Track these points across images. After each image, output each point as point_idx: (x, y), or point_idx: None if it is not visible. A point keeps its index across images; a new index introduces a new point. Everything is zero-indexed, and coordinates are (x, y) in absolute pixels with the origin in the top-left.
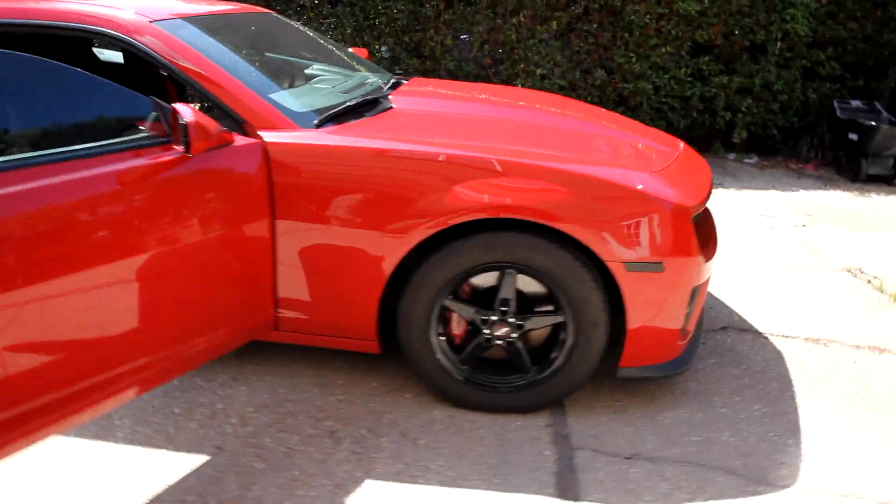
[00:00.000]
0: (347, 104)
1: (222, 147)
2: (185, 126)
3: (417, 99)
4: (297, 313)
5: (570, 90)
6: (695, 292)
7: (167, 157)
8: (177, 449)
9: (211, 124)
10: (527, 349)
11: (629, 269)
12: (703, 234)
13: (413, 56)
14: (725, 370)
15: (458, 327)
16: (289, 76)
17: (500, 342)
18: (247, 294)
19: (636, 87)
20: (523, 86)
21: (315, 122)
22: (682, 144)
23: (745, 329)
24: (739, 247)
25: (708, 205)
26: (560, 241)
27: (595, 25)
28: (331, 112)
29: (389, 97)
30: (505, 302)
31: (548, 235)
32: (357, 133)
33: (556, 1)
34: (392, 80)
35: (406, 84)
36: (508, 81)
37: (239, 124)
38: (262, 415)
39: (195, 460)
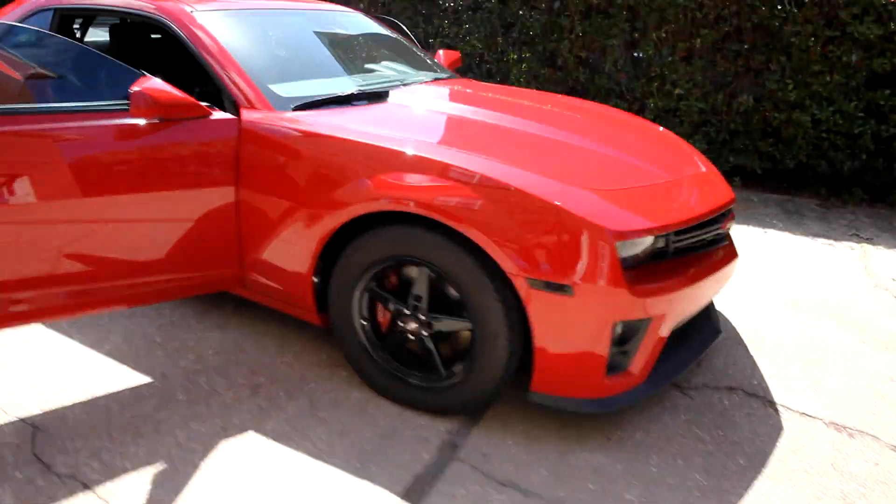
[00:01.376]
0: (333, 95)
1: (200, 118)
2: (129, 94)
3: (424, 98)
4: (257, 275)
5: (710, 114)
6: (633, 329)
7: (130, 121)
8: (136, 368)
9: (162, 96)
10: (442, 352)
11: (532, 286)
12: (667, 269)
13: (546, 66)
14: (693, 431)
15: (383, 315)
16: (312, 68)
17: (412, 337)
18: (216, 248)
19: (790, 117)
20: (656, 106)
21: (292, 106)
22: (702, 168)
23: (756, 395)
24: (832, 311)
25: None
26: (464, 245)
27: (746, 46)
28: (311, 100)
29: (396, 92)
30: (417, 298)
31: (454, 238)
32: (316, 118)
33: (704, 17)
34: (433, 78)
35: (436, 83)
36: (641, 100)
37: (232, 103)
38: (215, 359)
39: (140, 380)
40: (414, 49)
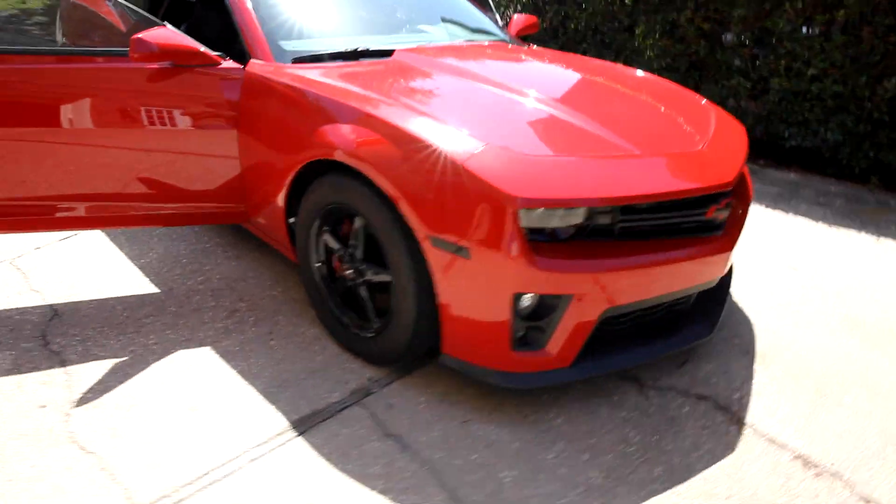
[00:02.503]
0: (332, 51)
1: (209, 66)
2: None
3: (433, 59)
4: (253, 211)
5: (848, 99)
6: (548, 305)
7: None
8: (153, 280)
9: (162, 43)
10: (381, 303)
11: (434, 244)
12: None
13: (666, 36)
14: (623, 431)
15: (336, 259)
16: (350, 26)
17: (350, 283)
18: (225, 184)
19: None
20: (781, 86)
21: (290, 60)
22: (699, 147)
23: (726, 409)
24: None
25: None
26: (382, 197)
27: None
28: (308, 54)
29: (410, 53)
30: (354, 246)
31: (375, 189)
32: (298, 71)
33: None
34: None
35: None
36: (766, 79)
37: (244, 54)
38: (217, 283)
39: (150, 290)
40: (474, 10)
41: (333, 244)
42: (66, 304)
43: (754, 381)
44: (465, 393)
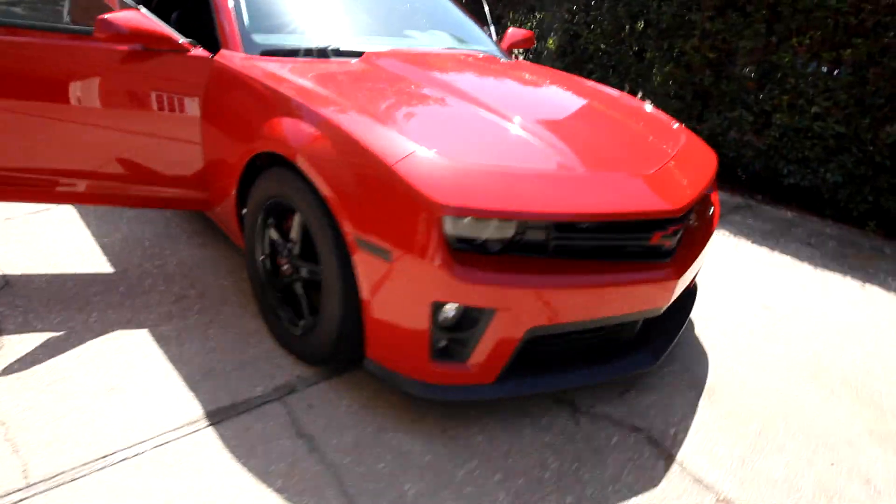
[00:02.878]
0: (298, 47)
1: (177, 52)
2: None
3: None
4: (212, 199)
5: (850, 140)
6: (471, 318)
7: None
8: (111, 260)
9: (125, 24)
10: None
11: (358, 244)
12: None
13: (669, 62)
14: (543, 455)
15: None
16: (333, 26)
17: (287, 279)
18: (190, 171)
19: None
20: (783, 122)
21: (259, 52)
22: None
23: (658, 444)
24: (862, 389)
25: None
26: (316, 193)
27: None
28: (275, 48)
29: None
30: (292, 241)
31: (311, 185)
32: (258, 63)
33: (859, 24)
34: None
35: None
36: (769, 114)
37: (217, 44)
38: (172, 268)
39: (105, 269)
40: (466, 21)
41: (276, 238)
42: (20, 276)
43: (696, 418)
44: (390, 401)
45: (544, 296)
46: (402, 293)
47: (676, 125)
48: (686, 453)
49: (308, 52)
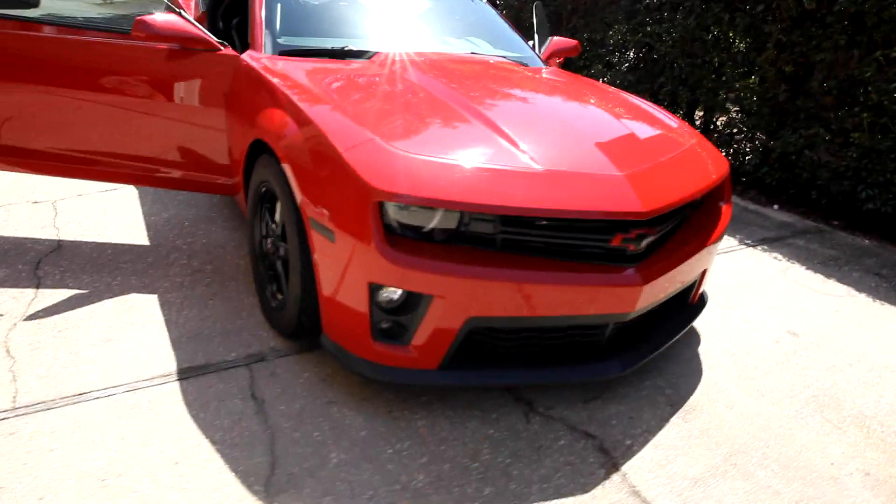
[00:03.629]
0: (315, 47)
1: (210, 52)
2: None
3: (414, 65)
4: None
5: None
6: (411, 302)
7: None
8: (151, 235)
9: (160, 26)
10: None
11: (311, 225)
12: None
13: (744, 76)
14: (479, 446)
15: None
16: (365, 30)
17: (272, 258)
18: (217, 158)
19: None
20: (861, 143)
21: (277, 52)
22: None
23: (608, 454)
24: (874, 427)
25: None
26: (286, 177)
27: None
28: (292, 48)
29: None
30: (276, 222)
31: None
32: (270, 62)
33: None
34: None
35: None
36: (847, 132)
37: (247, 45)
38: (200, 247)
39: (142, 243)
40: (502, 30)
41: (268, 220)
42: (71, 242)
43: (661, 433)
44: (349, 378)
45: (483, 287)
46: (343, 273)
47: (684, 131)
48: (633, 466)
49: (324, 53)
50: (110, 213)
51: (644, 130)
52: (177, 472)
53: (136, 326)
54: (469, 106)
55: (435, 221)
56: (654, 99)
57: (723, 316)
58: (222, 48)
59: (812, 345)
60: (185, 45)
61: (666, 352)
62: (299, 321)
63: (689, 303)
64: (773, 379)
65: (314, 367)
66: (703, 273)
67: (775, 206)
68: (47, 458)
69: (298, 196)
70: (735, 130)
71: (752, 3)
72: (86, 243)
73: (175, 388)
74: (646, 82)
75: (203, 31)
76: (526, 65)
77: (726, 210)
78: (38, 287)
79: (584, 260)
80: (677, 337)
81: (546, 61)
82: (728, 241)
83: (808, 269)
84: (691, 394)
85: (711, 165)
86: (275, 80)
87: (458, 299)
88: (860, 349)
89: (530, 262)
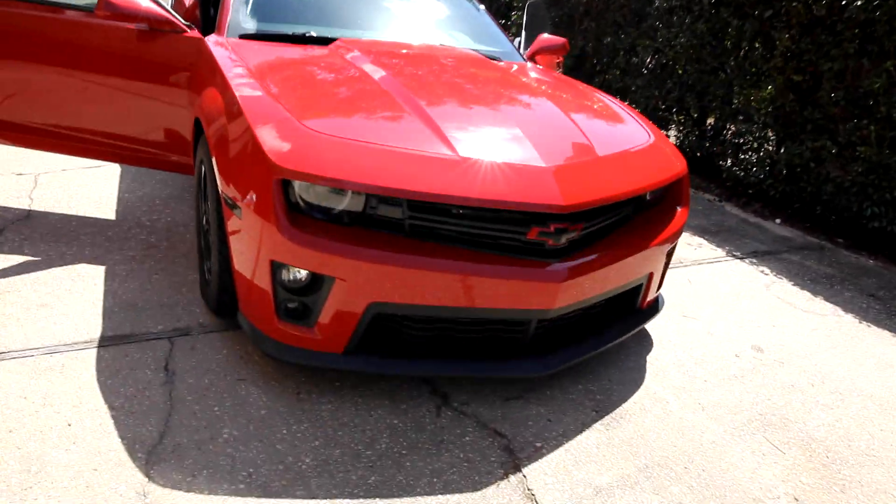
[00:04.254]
0: (280, 33)
1: (176, 33)
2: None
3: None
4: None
5: None
6: (314, 284)
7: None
8: (121, 212)
9: (124, 4)
10: None
11: (224, 200)
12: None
13: (750, 85)
14: (380, 435)
15: None
16: (340, 19)
17: (206, 234)
18: (178, 137)
19: None
20: (867, 157)
21: (237, 35)
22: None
23: (511, 453)
24: (824, 451)
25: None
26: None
27: None
28: (253, 32)
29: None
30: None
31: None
32: (227, 43)
33: None
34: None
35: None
36: (854, 146)
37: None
38: (163, 224)
39: (110, 216)
40: (484, 26)
41: (205, 196)
42: (42, 213)
43: (578, 439)
44: (267, 359)
45: (384, 272)
46: (248, 249)
47: (643, 131)
48: (536, 468)
49: (288, 39)
50: (88, 187)
51: (595, 128)
52: (66, 434)
53: (75, 294)
54: (408, 96)
55: (344, 204)
56: (662, 105)
57: (684, 326)
58: (188, 30)
59: (775, 362)
60: (151, 25)
61: (607, 357)
62: (220, 297)
63: (638, 308)
64: (720, 393)
65: (236, 346)
66: (651, 276)
67: (777, 220)
68: None
69: (216, 172)
70: (741, 141)
71: (761, 9)
72: (54, 214)
73: (92, 354)
74: (654, 87)
75: (168, 12)
76: (498, 59)
77: (682, 213)
78: (8, 253)
79: (504, 253)
80: (617, 341)
81: (532, 58)
82: (713, 252)
83: (794, 285)
84: (624, 402)
85: (663, 166)
86: (222, 62)
87: (359, 283)
88: (827, 370)
89: (437, 249)
